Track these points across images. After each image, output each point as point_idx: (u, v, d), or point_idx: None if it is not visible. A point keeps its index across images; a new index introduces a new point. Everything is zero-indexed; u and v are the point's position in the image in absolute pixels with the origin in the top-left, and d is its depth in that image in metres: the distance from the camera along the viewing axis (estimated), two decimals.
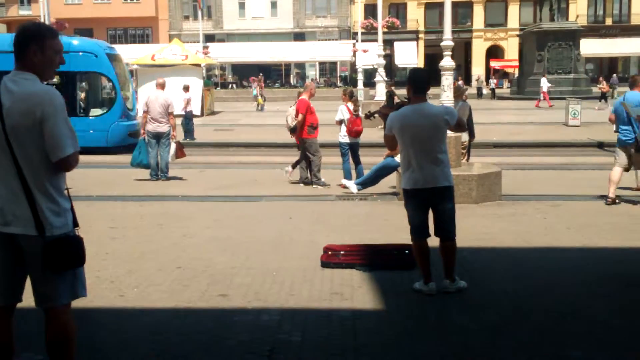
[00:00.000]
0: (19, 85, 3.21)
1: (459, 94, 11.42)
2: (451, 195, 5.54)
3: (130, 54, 40.31)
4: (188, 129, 20.03)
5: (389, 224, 8.11)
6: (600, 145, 18.05)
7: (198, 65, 30.49)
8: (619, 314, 5.06)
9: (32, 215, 3.18)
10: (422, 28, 56.21)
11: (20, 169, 3.18)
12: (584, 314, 5.04)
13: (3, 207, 3.21)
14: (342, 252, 6.46)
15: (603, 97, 31.80)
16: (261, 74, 46.25)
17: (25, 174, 3.19)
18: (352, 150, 11.33)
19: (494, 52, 57.16)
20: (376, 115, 6.65)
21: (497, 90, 44.51)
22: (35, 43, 3.26)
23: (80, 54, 17.45)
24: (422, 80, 5.53)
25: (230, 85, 54.99)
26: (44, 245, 3.18)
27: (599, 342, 4.51)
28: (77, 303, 3.47)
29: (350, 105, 11.29)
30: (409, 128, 5.39)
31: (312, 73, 57.98)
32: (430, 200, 5.46)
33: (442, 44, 14.41)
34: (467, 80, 52.22)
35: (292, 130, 11.42)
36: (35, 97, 3.17)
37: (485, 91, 44.55)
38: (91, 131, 17.35)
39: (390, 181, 10.51)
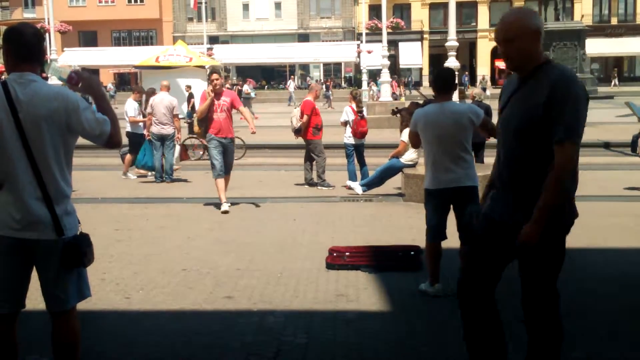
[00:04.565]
0: (30, 88, 3.19)
1: (464, 95, 11.40)
2: (476, 196, 5.40)
3: (135, 56, 40.51)
4: None
5: (394, 226, 8.10)
6: (607, 146, 17.98)
7: (202, 67, 30.50)
8: (624, 314, 5.04)
9: (51, 219, 3.19)
10: (426, 28, 56.20)
11: (39, 174, 3.17)
12: (588, 315, 5.02)
13: (15, 213, 3.17)
14: (347, 253, 6.45)
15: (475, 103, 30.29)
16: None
17: (45, 179, 3.18)
18: (357, 151, 11.32)
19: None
20: (403, 112, 6.60)
21: (496, 92, 43.60)
22: (43, 44, 3.36)
23: None
24: (444, 79, 5.48)
25: (234, 88, 55.07)
26: (63, 246, 3.21)
27: (603, 343, 4.50)
28: (82, 305, 3.48)
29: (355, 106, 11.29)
30: (432, 126, 5.34)
31: (317, 74, 58.02)
32: (453, 201, 5.40)
33: (447, 44, 14.47)
34: (472, 80, 52.14)
35: (297, 132, 11.42)
36: (54, 100, 3.18)
37: (489, 92, 44.27)
38: None
39: (396, 182, 10.50)
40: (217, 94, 9.05)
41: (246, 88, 32.26)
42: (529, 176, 3.17)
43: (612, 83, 50.57)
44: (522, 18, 3.17)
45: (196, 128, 9.27)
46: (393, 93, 36.13)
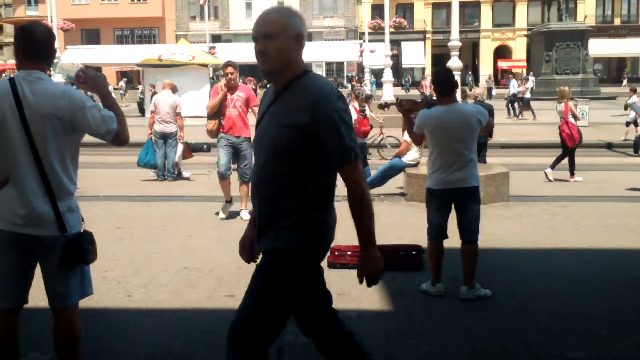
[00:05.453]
0: (37, 86, 3.21)
1: (466, 94, 11.42)
2: (478, 196, 5.49)
3: (137, 54, 40.51)
4: None
5: (396, 225, 8.09)
6: (609, 146, 17.97)
7: (205, 65, 30.49)
8: (626, 315, 5.05)
9: (54, 215, 3.20)
10: (429, 28, 56.20)
11: (43, 171, 3.19)
12: (590, 315, 5.02)
13: (19, 209, 3.19)
14: (348, 252, 6.45)
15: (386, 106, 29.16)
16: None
17: (48, 175, 3.20)
18: None
19: (501, 52, 57.05)
20: (391, 106, 6.45)
21: (499, 92, 38.62)
22: (55, 44, 3.39)
23: None
24: (446, 81, 5.50)
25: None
26: (65, 243, 3.22)
27: (605, 343, 4.50)
28: (84, 303, 3.49)
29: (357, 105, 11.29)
30: (443, 129, 5.35)
31: (319, 73, 57.96)
32: (456, 201, 5.41)
33: (450, 44, 14.46)
34: (476, 80, 52.11)
35: None
36: (60, 99, 3.19)
37: (494, 92, 43.59)
38: None
39: (398, 182, 10.49)
40: (231, 88, 8.32)
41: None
42: (283, 201, 2.84)
43: (623, 84, 50.61)
44: (287, 17, 2.84)
45: (210, 124, 8.68)
46: (422, 93, 35.96)
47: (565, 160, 11.97)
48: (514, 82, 28.71)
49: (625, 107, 18.46)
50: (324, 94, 2.75)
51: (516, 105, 27.76)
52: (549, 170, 11.79)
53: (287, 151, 2.77)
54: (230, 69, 8.27)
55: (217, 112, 8.36)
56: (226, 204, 8.68)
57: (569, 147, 11.78)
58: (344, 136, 2.76)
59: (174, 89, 12.11)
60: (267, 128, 2.85)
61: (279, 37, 2.79)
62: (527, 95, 27.83)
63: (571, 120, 11.95)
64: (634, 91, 18.80)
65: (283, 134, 2.76)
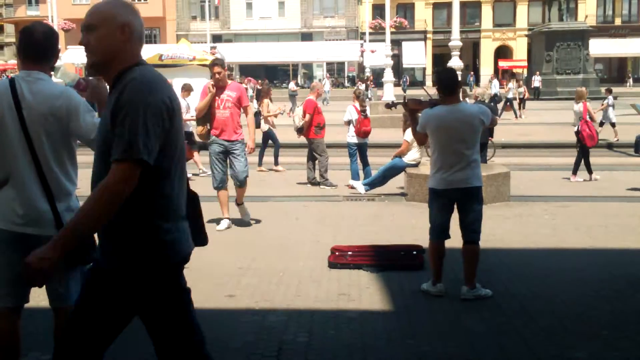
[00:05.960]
0: (35, 86, 3.23)
1: (466, 94, 11.43)
2: (481, 196, 5.50)
3: None
4: None
5: (397, 225, 8.10)
6: (610, 146, 17.96)
7: (206, 65, 30.46)
8: (627, 315, 5.04)
9: (53, 216, 3.22)
10: (430, 28, 56.18)
11: (42, 171, 3.20)
12: (591, 315, 5.02)
13: (18, 209, 3.20)
14: (349, 252, 6.46)
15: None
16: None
17: (46, 175, 3.21)
18: (360, 150, 11.32)
19: (502, 52, 57.03)
20: (397, 106, 6.38)
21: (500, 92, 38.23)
22: (58, 44, 3.41)
23: None
24: (450, 80, 5.51)
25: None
26: None
27: (606, 343, 4.50)
28: None
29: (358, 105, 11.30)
30: (445, 129, 5.35)
31: (320, 73, 58.05)
32: (458, 201, 5.41)
33: (450, 44, 14.49)
34: (478, 80, 52.08)
35: (299, 131, 11.44)
36: (58, 99, 3.22)
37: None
38: None
39: (398, 182, 10.49)
40: (220, 87, 7.79)
41: (292, 85, 32.16)
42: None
43: (628, 84, 50.55)
44: (111, 8, 2.65)
45: (199, 129, 7.94)
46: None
47: (571, 160, 12.01)
48: (495, 82, 28.69)
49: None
50: (136, 82, 2.46)
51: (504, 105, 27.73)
52: (593, 176, 11.86)
53: (105, 148, 2.48)
54: (217, 68, 7.79)
55: (205, 117, 7.86)
56: (223, 220, 8.07)
57: (588, 146, 11.87)
58: (131, 129, 2.37)
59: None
60: (100, 124, 2.63)
61: (100, 28, 2.62)
62: (510, 95, 27.79)
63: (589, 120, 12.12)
64: (609, 91, 19.00)
65: (101, 129, 2.56)
